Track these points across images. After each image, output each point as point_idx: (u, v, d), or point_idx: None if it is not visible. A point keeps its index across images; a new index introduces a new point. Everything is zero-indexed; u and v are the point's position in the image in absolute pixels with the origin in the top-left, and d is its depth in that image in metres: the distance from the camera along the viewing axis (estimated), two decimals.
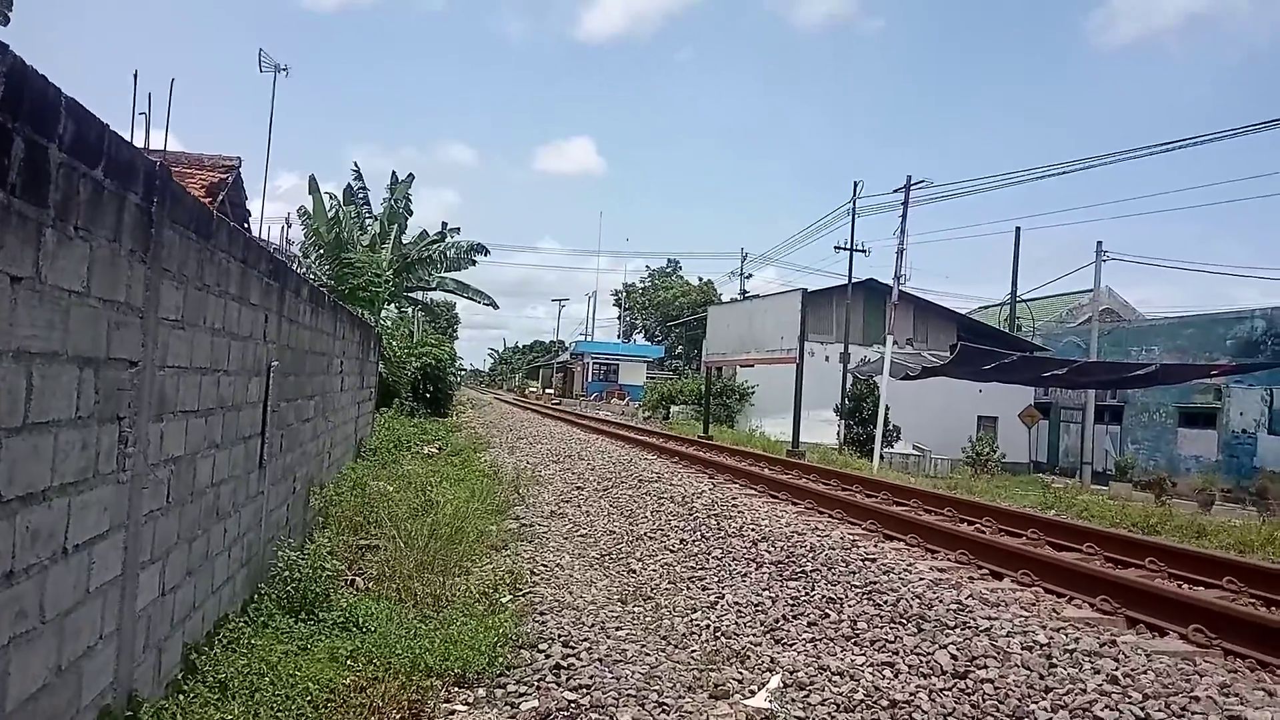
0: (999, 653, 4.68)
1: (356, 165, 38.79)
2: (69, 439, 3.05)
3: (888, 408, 26.73)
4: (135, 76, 6.52)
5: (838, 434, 33.15)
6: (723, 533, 8.52)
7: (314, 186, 32.71)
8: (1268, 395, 31.00)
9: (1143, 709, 3.91)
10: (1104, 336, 37.11)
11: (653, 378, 65.79)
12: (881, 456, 25.72)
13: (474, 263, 35.69)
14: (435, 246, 34.94)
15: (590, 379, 71.51)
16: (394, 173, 35.65)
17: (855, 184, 34.61)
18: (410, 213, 34.19)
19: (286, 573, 6.24)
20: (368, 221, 34.21)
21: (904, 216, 26.84)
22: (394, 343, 27.85)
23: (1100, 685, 4.15)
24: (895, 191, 28.26)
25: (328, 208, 32.66)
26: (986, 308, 53.38)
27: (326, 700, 4.71)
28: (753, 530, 8.30)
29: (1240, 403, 32.15)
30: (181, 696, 4.24)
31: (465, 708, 5.02)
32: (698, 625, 6.33)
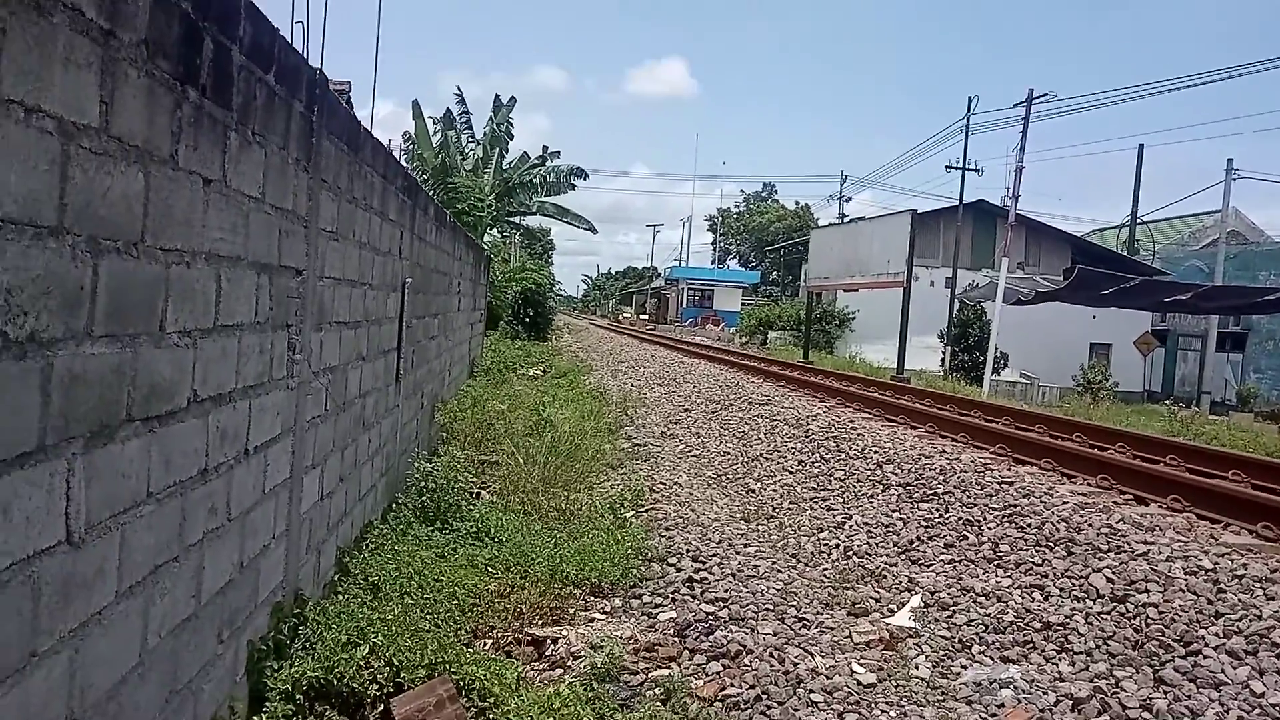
0: (1160, 577, 4.50)
1: (459, 90, 38.78)
2: (249, 343, 3.13)
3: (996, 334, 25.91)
4: None
5: (942, 360, 32.39)
6: (843, 454, 8.41)
7: (417, 112, 33.08)
8: None
9: None
10: (1230, 260, 35.11)
11: (748, 303, 65.27)
12: (990, 384, 25.04)
13: (573, 187, 35.77)
14: (535, 171, 35.02)
15: (685, 305, 71.33)
16: (497, 96, 35.67)
17: (970, 99, 33.12)
18: (511, 136, 34.30)
19: (423, 483, 6.43)
20: (469, 146, 34.43)
21: (1024, 133, 25.67)
22: (496, 267, 28.18)
23: (1276, 611, 3.95)
24: (1016, 105, 27.00)
25: (431, 132, 32.97)
26: (1102, 230, 51.02)
27: (472, 604, 4.87)
28: (876, 452, 8.17)
29: None
30: (339, 596, 4.43)
31: (603, 616, 5.11)
32: (826, 545, 6.29)
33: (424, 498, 6.36)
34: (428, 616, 4.42)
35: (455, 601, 4.77)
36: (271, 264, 3.33)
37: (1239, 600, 4.13)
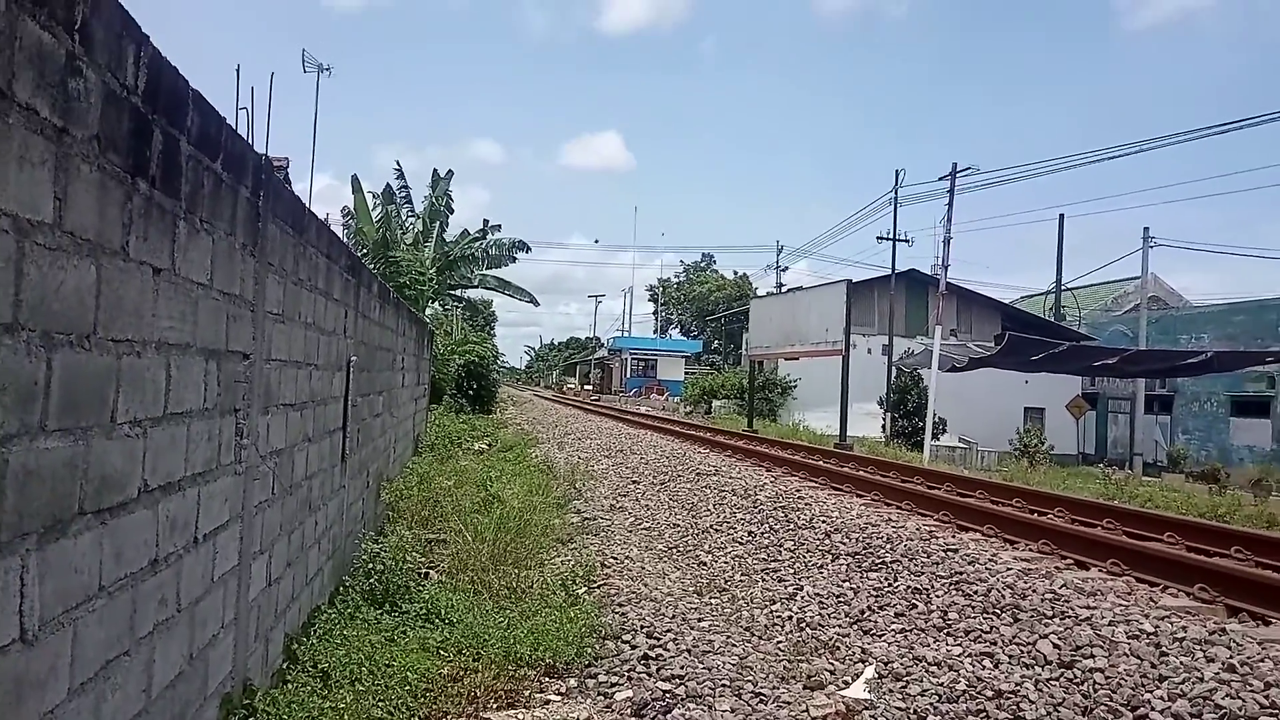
0: (1104, 642, 4.59)
1: (398, 164, 39.20)
2: (198, 430, 3.09)
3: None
4: (238, 71, 6.55)
5: (883, 426, 32.86)
6: (792, 525, 8.46)
7: (356, 186, 33.13)
8: None
9: (1267, 696, 3.81)
10: (1152, 324, 36.48)
11: (691, 372, 65.70)
12: (930, 449, 25.45)
13: (514, 259, 35.97)
14: (477, 244, 35.21)
15: (629, 375, 71.51)
16: (435, 170, 35.98)
17: (897, 172, 34.26)
18: (451, 210, 34.51)
19: (370, 564, 6.31)
20: (409, 220, 34.53)
21: (950, 204, 26.57)
22: (439, 340, 28.03)
23: (1217, 674, 4.06)
24: (941, 179, 27.98)
25: (371, 206, 33.01)
26: (1030, 297, 52.67)
27: (425, 690, 4.76)
28: (823, 521, 8.23)
29: None
30: (288, 685, 4.30)
31: (559, 698, 5.03)
32: (779, 617, 6.28)
33: (372, 580, 6.23)
34: (379, 704, 4.32)
35: (407, 687, 4.65)
36: (219, 349, 3.31)
37: (1181, 663, 4.24)
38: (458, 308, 40.15)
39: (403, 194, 34.82)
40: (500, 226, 36.74)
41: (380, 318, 8.76)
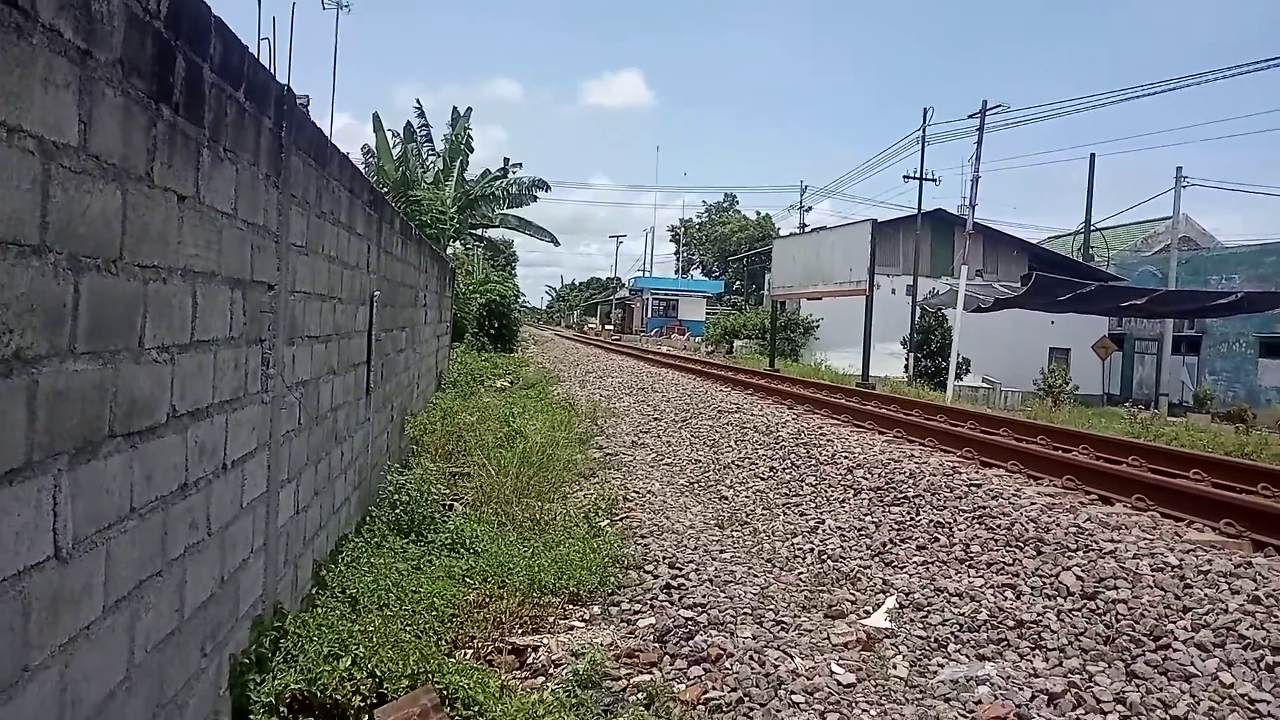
0: (1128, 574, 4.60)
1: (419, 102, 38.89)
2: (225, 358, 3.12)
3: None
4: (260, 2, 6.49)
5: (905, 367, 32.76)
6: (814, 460, 8.49)
7: (378, 125, 32.87)
8: None
9: None
10: (1182, 265, 35.93)
11: (712, 313, 65.54)
12: (953, 389, 25.35)
13: (535, 198, 35.74)
14: (498, 183, 34.97)
15: (650, 315, 71.44)
16: (454, 108, 35.64)
17: (925, 110, 33.82)
18: (472, 149, 34.19)
19: (395, 495, 6.41)
20: (430, 159, 34.32)
21: (979, 142, 26.06)
22: (460, 280, 28.06)
23: (1242, 605, 4.06)
24: (970, 117, 27.44)
25: (391, 145, 32.82)
26: (1058, 237, 51.86)
27: (451, 615, 4.86)
28: (845, 458, 8.25)
29: None
30: (318, 610, 4.40)
31: (583, 624, 5.12)
32: (800, 549, 6.34)
33: (397, 510, 6.34)
34: (407, 628, 4.40)
35: (434, 613, 4.75)
36: (244, 279, 3.32)
37: (1205, 595, 4.24)
38: (479, 247, 40.10)
39: (423, 132, 34.54)
40: (521, 165, 36.47)
41: (403, 254, 8.76)
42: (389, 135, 33.21)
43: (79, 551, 2.05)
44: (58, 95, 1.89)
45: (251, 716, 3.26)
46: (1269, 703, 3.43)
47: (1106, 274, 37.49)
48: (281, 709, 3.39)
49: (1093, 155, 43.62)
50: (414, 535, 6.17)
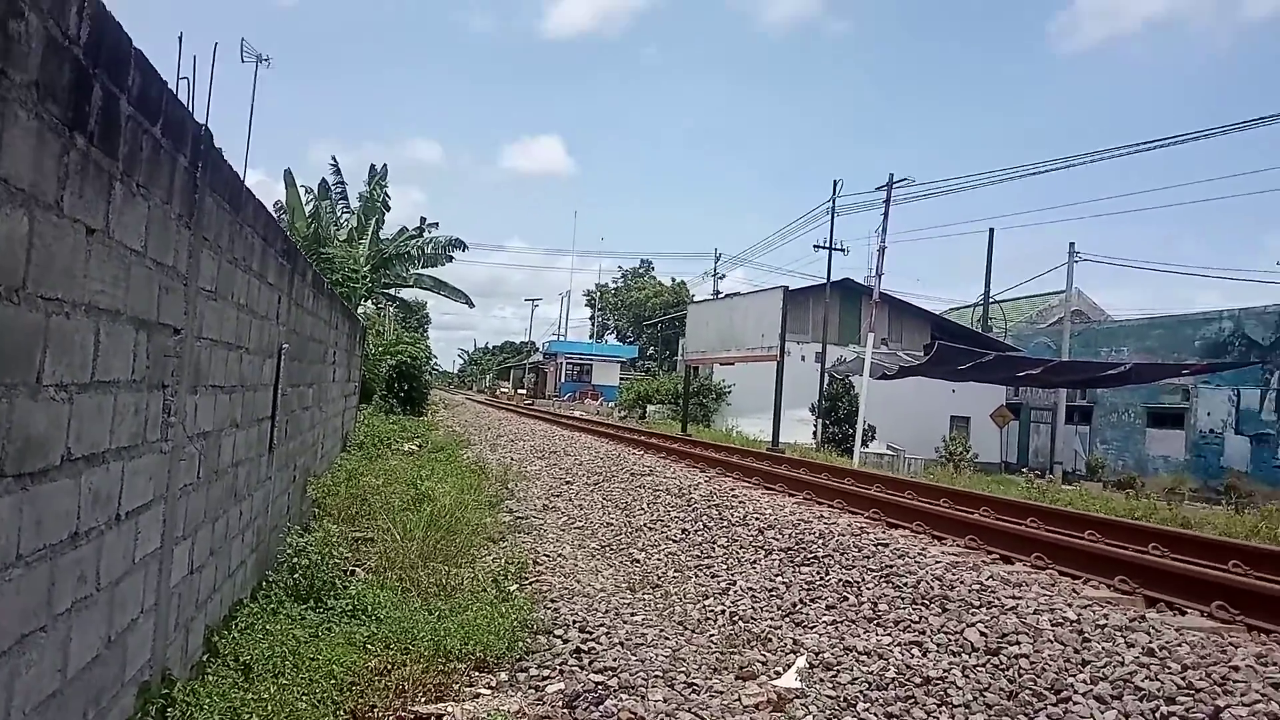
0: (1029, 629, 4.72)
1: (335, 159, 38.62)
2: (125, 402, 3.00)
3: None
4: (180, 39, 6.34)
5: (814, 433, 33.33)
6: (725, 522, 8.52)
7: (290, 180, 32.45)
8: (1234, 396, 31.61)
9: (1184, 678, 3.97)
10: (1074, 337, 37.66)
11: (626, 378, 65.76)
12: (860, 455, 25.88)
13: (451, 258, 35.59)
14: (413, 242, 34.75)
15: (563, 379, 71.29)
16: (372, 165, 35.43)
17: (835, 182, 34.83)
18: (388, 207, 33.99)
19: (295, 559, 6.17)
20: (344, 216, 33.96)
21: (886, 214, 27.11)
22: (370, 340, 27.59)
23: (1137, 657, 4.21)
24: (878, 189, 28.53)
25: (304, 202, 32.39)
26: (958, 309, 53.92)
27: (351, 683, 4.67)
28: (757, 519, 8.31)
29: (1208, 403, 32.75)
30: (209, 677, 4.18)
31: (489, 691, 4.98)
32: (712, 611, 6.32)
33: (296, 575, 6.09)
34: (304, 697, 4.22)
35: (333, 680, 4.56)
36: (150, 321, 3.21)
37: (1103, 649, 4.37)
38: (391, 306, 39.56)
39: (338, 189, 34.24)
40: (438, 224, 36.44)
41: (314, 307, 8.60)
42: (302, 191, 32.80)
43: None
44: None
45: None
46: None
47: (1004, 345, 39.06)
48: None
49: (991, 230, 45.69)
50: (313, 601, 5.94)
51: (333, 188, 34.03)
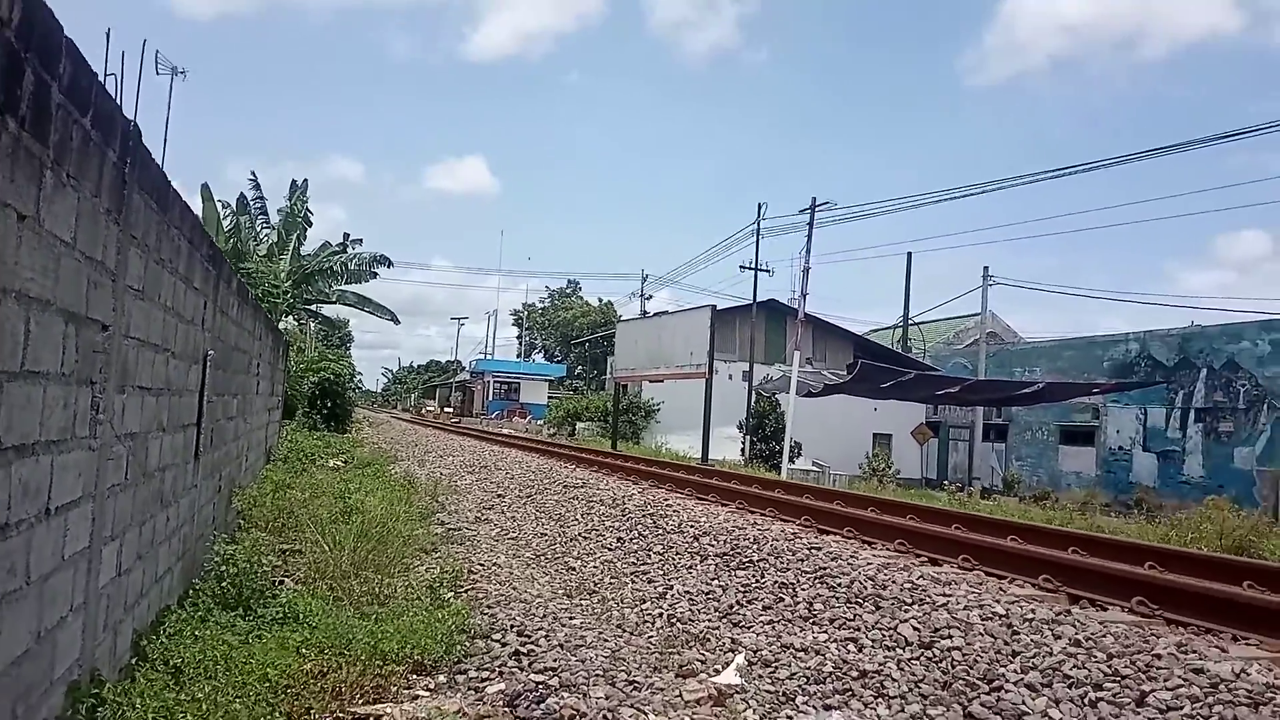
0: (961, 624, 4.85)
1: (254, 174, 37.71)
2: (55, 394, 2.91)
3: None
4: (108, 35, 6.17)
5: (742, 449, 33.66)
6: (660, 530, 8.56)
7: (207, 194, 31.63)
8: (1142, 414, 32.93)
9: (1110, 666, 4.12)
10: (990, 358, 38.82)
11: (555, 396, 65.52)
12: (787, 470, 26.22)
13: (375, 275, 35.05)
14: (336, 258, 34.14)
15: (491, 397, 70.67)
16: (293, 180, 34.85)
17: (760, 205, 35.57)
18: (310, 223, 33.31)
19: (223, 566, 6.01)
20: (264, 231, 33.24)
21: (809, 235, 27.65)
22: (292, 357, 27.00)
23: (1065, 648, 4.36)
24: (801, 212, 29.14)
25: (222, 216, 31.62)
26: (878, 330, 55.12)
27: (287, 686, 4.56)
28: (692, 526, 8.37)
29: (1116, 421, 34.04)
30: (139, 679, 4.05)
31: (428, 693, 4.91)
32: (650, 614, 6.34)
33: (224, 583, 5.93)
34: (238, 699, 4.11)
35: (267, 684, 4.44)
36: (79, 314, 3.13)
37: (1031, 640, 4.52)
38: (314, 323, 38.78)
39: (257, 204, 33.47)
40: (362, 241, 35.86)
41: (238, 317, 8.41)
42: (220, 206, 32.01)
43: None
44: None
45: None
46: None
47: (924, 364, 40.08)
48: None
49: (910, 253, 46.90)
50: (242, 609, 5.78)
51: (251, 203, 33.28)
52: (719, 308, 27.62)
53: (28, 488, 2.69)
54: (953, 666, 4.47)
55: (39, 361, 2.73)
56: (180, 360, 5.30)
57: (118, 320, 3.67)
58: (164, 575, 5.25)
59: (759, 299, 38.59)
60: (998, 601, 5.12)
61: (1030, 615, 4.82)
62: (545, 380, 73.28)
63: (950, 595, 5.32)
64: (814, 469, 32.99)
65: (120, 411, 3.87)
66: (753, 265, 37.84)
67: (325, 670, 4.83)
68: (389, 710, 4.50)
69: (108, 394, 3.60)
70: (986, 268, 37.92)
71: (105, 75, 6.50)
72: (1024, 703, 4.02)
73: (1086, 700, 3.95)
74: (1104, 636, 4.43)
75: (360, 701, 4.62)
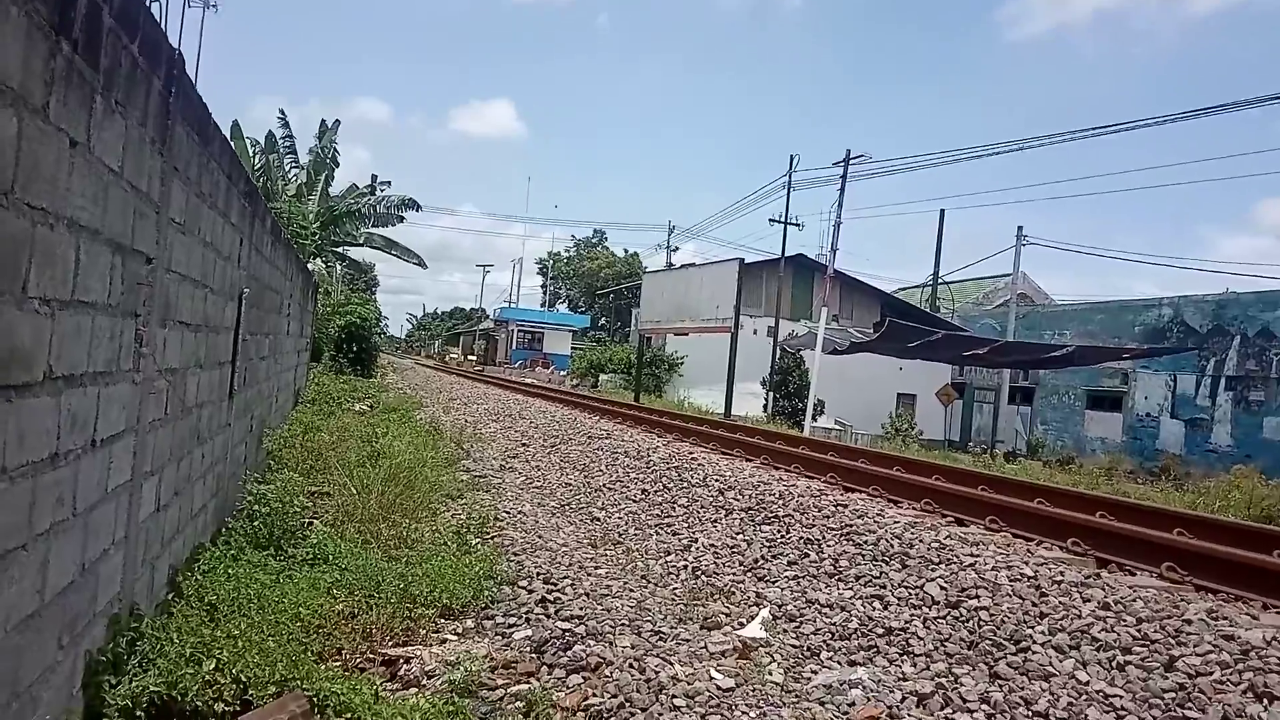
0: (988, 584, 4.85)
1: (282, 112, 37.36)
2: (102, 325, 2.92)
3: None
4: None
5: (764, 406, 33.65)
6: (685, 483, 8.59)
7: (237, 132, 31.61)
8: (1171, 381, 32.55)
9: (1139, 630, 4.11)
10: (1019, 320, 38.40)
11: (578, 347, 65.64)
12: (809, 428, 26.20)
13: (402, 219, 35.15)
14: (364, 200, 34.14)
15: (515, 347, 70.89)
16: (323, 120, 34.82)
17: (792, 157, 35.08)
18: (337, 164, 33.28)
19: (255, 506, 6.09)
20: (292, 171, 33.25)
21: (842, 189, 27.30)
22: (319, 299, 27.14)
23: (1094, 610, 4.35)
24: (834, 165, 28.72)
25: (251, 155, 31.62)
26: (907, 289, 54.63)
27: (318, 626, 4.63)
28: (716, 480, 8.39)
29: (1145, 387, 33.69)
30: (175, 615, 4.12)
31: (456, 637, 4.98)
32: (674, 566, 6.38)
33: (256, 523, 6.02)
34: (271, 637, 4.18)
35: (299, 623, 4.52)
36: (125, 245, 3.13)
37: (1060, 602, 4.51)
38: (340, 265, 38.90)
39: (286, 144, 33.44)
40: (390, 183, 35.85)
41: (271, 255, 8.43)
42: (249, 144, 32.00)
43: None
44: None
45: None
46: (1122, 697, 3.67)
47: (952, 325, 39.72)
48: (138, 713, 3.15)
49: (942, 210, 46.38)
50: (274, 549, 5.88)
51: (280, 141, 33.25)
52: (746, 261, 27.45)
53: (75, 419, 2.71)
54: (980, 626, 4.47)
55: (88, 291, 2.74)
56: (218, 296, 5.32)
57: (161, 253, 3.68)
58: (199, 513, 5.32)
59: (787, 253, 38.29)
60: (1026, 563, 5.10)
61: (1059, 577, 4.80)
62: (569, 331, 73.37)
63: (978, 555, 5.31)
64: (836, 427, 32.96)
65: (162, 346, 3.89)
66: (782, 218, 37.47)
67: (355, 611, 4.91)
68: (419, 652, 4.57)
69: (150, 327, 3.61)
70: (1020, 227, 37.42)
71: (150, 2, 6.46)
72: (1051, 664, 4.02)
73: (1115, 663, 3.95)
74: (1133, 601, 4.41)
75: (390, 643, 4.70)
